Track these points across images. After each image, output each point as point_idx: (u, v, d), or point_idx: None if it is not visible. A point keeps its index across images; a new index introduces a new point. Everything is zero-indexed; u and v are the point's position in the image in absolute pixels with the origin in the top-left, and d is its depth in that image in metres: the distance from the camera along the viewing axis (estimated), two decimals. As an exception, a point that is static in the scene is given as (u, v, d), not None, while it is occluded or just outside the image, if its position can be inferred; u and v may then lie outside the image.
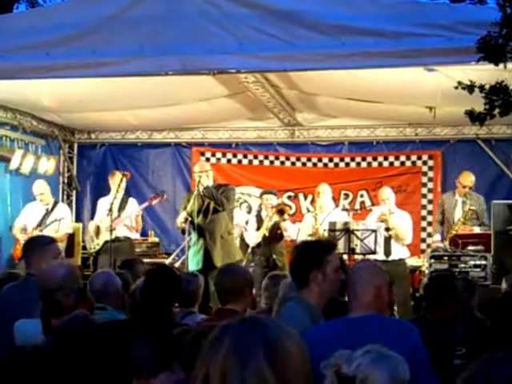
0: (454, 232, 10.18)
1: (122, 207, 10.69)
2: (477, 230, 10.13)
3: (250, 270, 7.83)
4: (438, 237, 10.68)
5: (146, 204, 10.84)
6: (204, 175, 9.70)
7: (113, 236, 10.13)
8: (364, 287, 3.96)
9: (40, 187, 10.96)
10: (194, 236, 9.71)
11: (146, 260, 10.77)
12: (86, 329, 2.89)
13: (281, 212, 10.38)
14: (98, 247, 10.63)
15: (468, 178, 10.49)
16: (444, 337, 4.90)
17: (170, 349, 3.00)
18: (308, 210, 11.98)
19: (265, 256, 10.35)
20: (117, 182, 10.69)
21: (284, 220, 10.38)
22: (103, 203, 10.97)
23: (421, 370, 3.61)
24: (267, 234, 10.39)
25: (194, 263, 9.58)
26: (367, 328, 3.78)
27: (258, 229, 10.53)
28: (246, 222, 11.55)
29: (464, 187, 10.45)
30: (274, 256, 10.23)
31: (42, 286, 4.75)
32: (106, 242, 10.30)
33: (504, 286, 7.44)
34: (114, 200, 10.34)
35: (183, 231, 10.03)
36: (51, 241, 5.95)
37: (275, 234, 10.42)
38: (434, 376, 3.79)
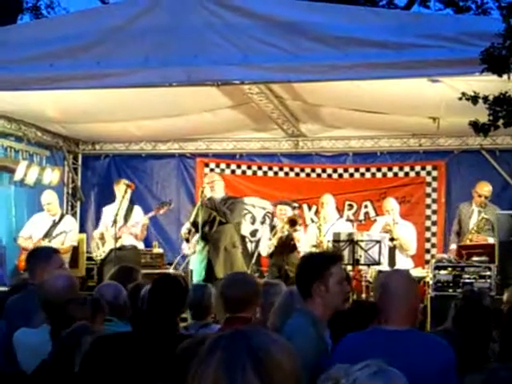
0: (467, 241, 10.19)
1: (127, 215, 10.72)
2: (491, 240, 10.10)
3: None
4: (453, 246, 10.63)
5: (152, 213, 10.88)
6: (208, 186, 9.69)
7: (118, 244, 10.15)
8: (402, 299, 3.97)
9: (48, 197, 11.00)
10: (199, 245, 9.72)
11: (150, 271, 10.80)
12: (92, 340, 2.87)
13: (292, 223, 10.39)
14: (103, 255, 10.65)
15: (484, 188, 10.47)
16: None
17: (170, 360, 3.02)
18: (312, 221, 11.98)
19: (277, 266, 10.37)
20: (122, 189, 10.73)
21: (295, 231, 10.39)
22: (108, 211, 11.02)
23: None
24: (275, 244, 10.42)
25: (197, 273, 9.60)
26: (405, 343, 3.82)
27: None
28: (252, 233, 11.56)
29: (480, 196, 10.43)
30: (287, 267, 10.20)
31: (42, 297, 4.76)
32: (112, 250, 10.32)
33: (505, 297, 7.42)
34: (119, 210, 10.36)
35: (186, 240, 10.07)
36: (54, 251, 5.97)
37: (288, 245, 10.43)
38: None
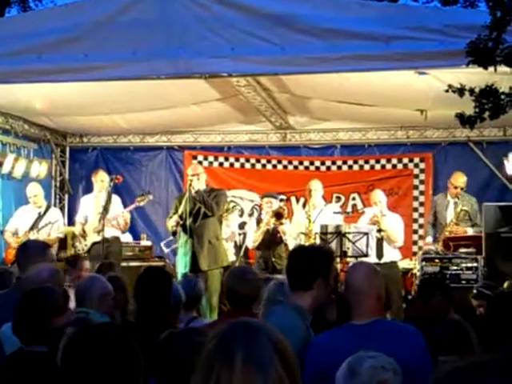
0: (446, 233, 10.19)
1: (107, 206, 10.62)
2: (470, 231, 10.13)
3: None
4: (429, 239, 10.66)
5: (133, 206, 10.81)
6: (195, 178, 9.68)
7: (100, 237, 10.07)
8: (367, 291, 3.98)
9: (33, 189, 10.95)
10: (182, 238, 9.71)
11: (138, 263, 10.81)
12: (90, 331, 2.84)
13: (278, 216, 10.36)
14: (86, 248, 10.62)
15: (459, 179, 10.48)
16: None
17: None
18: (304, 206, 11.81)
19: (264, 259, 10.36)
20: (99, 180, 10.76)
21: (281, 224, 10.35)
22: (86, 200, 11.01)
23: (426, 371, 3.66)
24: (261, 237, 10.40)
25: (181, 265, 9.60)
26: (376, 334, 3.84)
27: (258, 232, 10.59)
28: (240, 225, 11.53)
29: (456, 188, 10.43)
30: (273, 259, 10.20)
31: (25, 289, 4.76)
32: (94, 243, 10.32)
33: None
34: (101, 200, 10.37)
35: (173, 233, 10.05)
36: (46, 246, 5.96)
37: (274, 238, 10.41)
38: None
